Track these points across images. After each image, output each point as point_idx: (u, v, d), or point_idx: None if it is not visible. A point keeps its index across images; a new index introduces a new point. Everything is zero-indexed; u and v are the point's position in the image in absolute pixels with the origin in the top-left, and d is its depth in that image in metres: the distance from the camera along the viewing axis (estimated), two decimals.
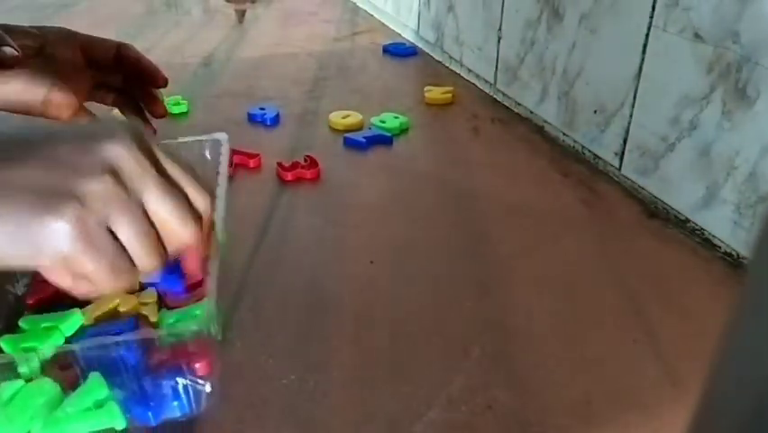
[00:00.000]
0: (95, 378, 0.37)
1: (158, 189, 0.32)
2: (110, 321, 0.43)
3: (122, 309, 0.44)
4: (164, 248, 0.34)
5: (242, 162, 0.69)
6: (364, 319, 0.48)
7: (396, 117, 0.80)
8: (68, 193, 0.30)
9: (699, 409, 0.17)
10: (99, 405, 0.37)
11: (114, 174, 0.31)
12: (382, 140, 0.76)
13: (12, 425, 0.36)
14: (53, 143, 0.31)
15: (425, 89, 0.89)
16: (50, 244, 0.30)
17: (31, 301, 0.45)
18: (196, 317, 0.43)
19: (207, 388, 0.38)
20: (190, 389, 0.38)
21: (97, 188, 0.30)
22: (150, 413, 0.37)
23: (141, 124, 0.59)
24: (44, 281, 0.47)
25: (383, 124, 0.78)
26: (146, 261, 0.33)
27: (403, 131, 0.79)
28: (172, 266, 0.45)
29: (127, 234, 0.32)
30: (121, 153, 0.31)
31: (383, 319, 0.48)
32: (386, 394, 0.41)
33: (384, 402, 0.40)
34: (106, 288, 0.32)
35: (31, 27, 0.55)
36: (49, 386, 0.37)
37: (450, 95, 0.89)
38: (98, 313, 0.43)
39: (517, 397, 0.41)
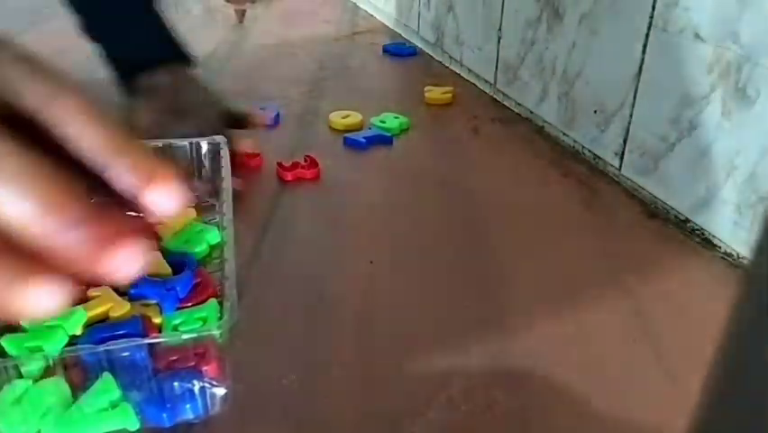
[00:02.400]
0: (106, 379, 0.37)
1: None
2: (115, 321, 0.43)
3: (113, 315, 0.43)
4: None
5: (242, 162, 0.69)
6: (364, 319, 0.48)
7: (396, 117, 0.80)
8: None
9: (700, 410, 0.17)
10: (113, 406, 0.37)
11: None
12: (382, 140, 0.76)
13: (25, 423, 0.36)
14: None
15: (425, 89, 0.89)
16: None
17: None
18: (203, 319, 0.43)
19: (222, 391, 0.38)
20: (207, 391, 0.38)
21: None
22: (164, 415, 0.37)
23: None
24: None
25: (383, 124, 0.78)
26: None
27: (403, 131, 0.79)
28: (171, 283, 0.46)
29: None
30: None
31: (383, 319, 0.48)
32: (386, 394, 0.41)
33: (384, 402, 0.40)
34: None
35: None
36: (59, 386, 0.37)
37: (450, 95, 0.89)
38: (90, 315, 0.43)
39: (517, 397, 0.41)
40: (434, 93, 0.89)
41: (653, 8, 0.59)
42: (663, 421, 0.39)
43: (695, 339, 0.46)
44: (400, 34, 1.18)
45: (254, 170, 0.69)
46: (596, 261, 0.55)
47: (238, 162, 0.65)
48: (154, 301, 0.45)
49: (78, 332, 0.42)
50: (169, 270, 0.49)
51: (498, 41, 0.87)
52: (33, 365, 0.37)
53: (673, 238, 0.58)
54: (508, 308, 0.49)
